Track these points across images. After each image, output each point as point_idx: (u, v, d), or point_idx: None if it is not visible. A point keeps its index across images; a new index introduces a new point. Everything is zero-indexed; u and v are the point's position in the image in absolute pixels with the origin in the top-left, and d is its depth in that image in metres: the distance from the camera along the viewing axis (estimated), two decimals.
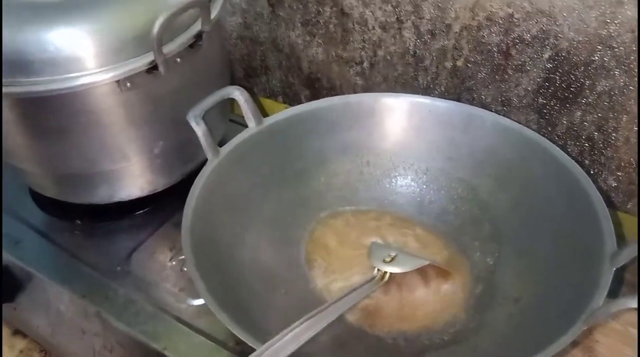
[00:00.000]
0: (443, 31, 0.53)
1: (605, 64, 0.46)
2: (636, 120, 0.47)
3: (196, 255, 0.37)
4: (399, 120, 0.49)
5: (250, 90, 0.72)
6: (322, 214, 0.49)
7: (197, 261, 0.36)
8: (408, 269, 0.40)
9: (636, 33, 0.43)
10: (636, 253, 0.32)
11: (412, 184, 0.50)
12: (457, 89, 0.55)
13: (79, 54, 0.40)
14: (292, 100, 0.70)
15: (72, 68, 0.40)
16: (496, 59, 0.51)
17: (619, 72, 0.46)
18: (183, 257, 0.48)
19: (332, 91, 0.66)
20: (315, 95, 0.67)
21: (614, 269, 0.33)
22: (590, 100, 0.48)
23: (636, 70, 0.44)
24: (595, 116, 0.49)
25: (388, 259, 0.40)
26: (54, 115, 0.42)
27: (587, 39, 0.46)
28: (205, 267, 0.37)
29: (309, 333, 0.32)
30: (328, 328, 0.34)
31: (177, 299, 0.45)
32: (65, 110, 0.42)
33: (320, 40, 0.62)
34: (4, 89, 0.40)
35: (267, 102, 0.72)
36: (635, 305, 0.28)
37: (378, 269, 0.40)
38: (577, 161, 0.51)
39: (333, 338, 0.39)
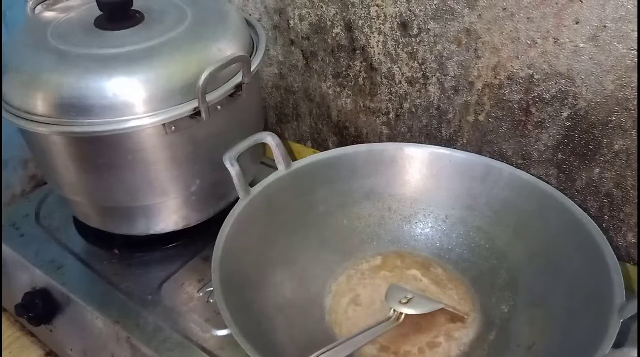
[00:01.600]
0: (466, 88, 0.56)
1: (623, 125, 0.48)
2: None
3: (224, 286, 0.39)
4: (420, 169, 0.52)
5: (281, 135, 0.77)
6: (344, 255, 0.51)
7: (224, 292, 0.39)
8: (423, 311, 0.42)
9: None
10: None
11: (432, 230, 0.52)
12: (479, 142, 0.58)
13: (133, 100, 0.44)
14: (320, 145, 0.73)
15: (125, 112, 0.44)
16: (517, 116, 0.54)
17: (635, 132, 0.47)
18: (210, 289, 0.51)
19: (359, 139, 0.69)
20: (342, 142, 0.71)
21: (622, 320, 0.34)
22: (608, 158, 0.50)
23: None
24: (614, 173, 0.50)
25: (404, 301, 0.42)
26: (105, 153, 0.47)
27: (604, 100, 0.48)
28: (231, 299, 0.39)
29: None
30: None
31: (202, 330, 0.47)
32: (116, 149, 0.46)
33: (349, 92, 0.66)
34: (63, 128, 0.44)
35: (297, 147, 0.75)
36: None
37: (394, 310, 0.42)
38: (596, 217, 0.53)
39: None
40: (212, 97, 0.46)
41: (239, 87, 0.48)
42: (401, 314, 0.41)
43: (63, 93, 0.44)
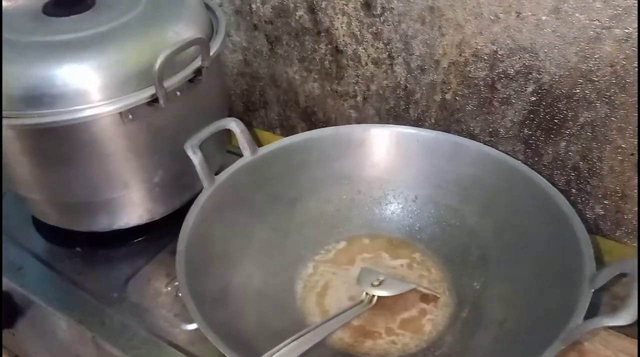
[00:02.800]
0: (432, 66, 0.55)
1: (587, 97, 0.48)
2: (619, 150, 0.48)
3: (189, 279, 0.38)
4: (387, 149, 0.51)
5: (249, 124, 0.75)
6: (314, 240, 0.50)
7: (190, 284, 0.37)
8: (395, 292, 0.41)
9: (615, 67, 0.45)
10: (613, 274, 0.33)
11: (402, 211, 0.51)
12: (447, 121, 0.57)
13: (85, 88, 0.42)
14: (290, 133, 0.72)
15: (78, 101, 0.42)
16: (483, 93, 0.53)
17: (599, 104, 0.48)
18: (178, 283, 0.49)
19: (328, 124, 0.68)
20: (311, 128, 0.70)
21: (592, 290, 0.34)
22: (573, 131, 0.50)
23: (617, 102, 0.46)
24: (580, 146, 0.50)
25: (376, 283, 0.41)
26: (59, 145, 0.44)
27: (568, 73, 0.48)
28: (198, 291, 0.38)
29: (295, 352, 0.33)
30: (315, 348, 0.35)
31: (171, 325, 0.46)
32: (71, 141, 0.44)
33: (316, 76, 0.65)
34: (13, 121, 0.42)
35: (265, 135, 0.74)
36: (611, 323, 0.28)
37: (366, 293, 0.41)
38: (564, 190, 0.53)
39: None
40: (170, 82, 0.44)
41: (198, 71, 0.46)
42: (373, 296, 0.41)
43: (10, 83, 0.42)
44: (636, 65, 0.44)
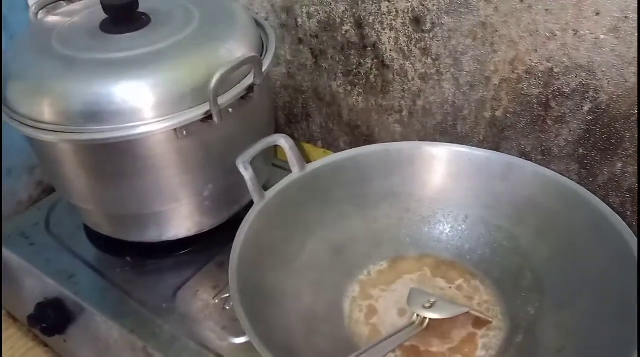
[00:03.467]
0: (482, 83, 0.55)
1: None
2: None
3: (241, 294, 0.38)
4: (438, 168, 0.50)
5: (291, 136, 0.75)
6: (363, 259, 0.50)
7: (242, 300, 0.37)
8: (447, 315, 0.40)
9: None
10: None
11: (452, 231, 0.50)
12: (496, 138, 0.56)
13: (141, 105, 0.43)
14: (331, 145, 0.72)
15: (134, 118, 0.43)
16: (536, 110, 0.52)
17: None
18: (226, 295, 0.49)
19: (371, 138, 0.68)
20: (354, 141, 0.70)
21: None
22: (630, 152, 0.48)
23: None
24: (636, 168, 0.49)
25: (427, 305, 0.41)
26: (115, 160, 0.46)
27: (626, 93, 0.46)
28: (248, 306, 0.38)
29: None
30: None
31: (219, 337, 0.46)
32: (126, 156, 0.45)
33: (360, 90, 0.65)
34: (71, 136, 0.43)
35: (307, 147, 0.74)
36: None
37: (417, 315, 0.41)
38: (619, 212, 0.51)
39: None
40: (223, 99, 0.44)
41: (250, 88, 0.47)
42: (425, 318, 0.40)
43: (69, 100, 0.43)
44: None
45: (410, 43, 0.58)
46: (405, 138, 0.64)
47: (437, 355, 0.42)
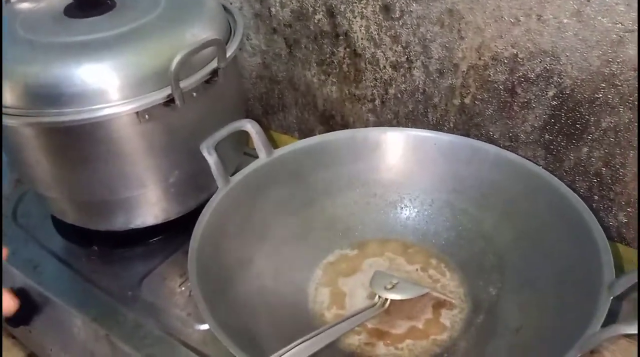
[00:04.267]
0: (451, 70, 0.55)
1: (609, 101, 0.47)
2: None
3: (201, 279, 0.38)
4: (404, 153, 0.51)
5: (267, 127, 0.75)
6: (329, 243, 0.50)
7: (201, 284, 0.37)
8: (408, 296, 0.40)
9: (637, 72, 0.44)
10: (634, 281, 0.32)
11: (418, 215, 0.50)
12: (466, 125, 0.56)
13: (103, 87, 0.42)
14: (307, 136, 0.72)
15: (96, 100, 0.42)
16: (502, 97, 0.52)
17: (623, 109, 0.46)
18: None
19: (346, 127, 0.68)
20: (329, 131, 0.69)
21: (611, 298, 0.32)
22: (596, 136, 0.49)
23: None
24: (602, 152, 0.49)
25: (389, 286, 0.41)
26: (77, 144, 0.45)
27: (590, 77, 0.47)
28: (210, 291, 0.38)
29: (305, 353, 0.33)
30: (326, 351, 0.35)
31: (184, 324, 0.46)
32: (88, 140, 0.45)
33: (334, 79, 0.65)
34: (32, 119, 0.43)
35: (284, 138, 0.74)
36: (629, 331, 0.27)
37: (379, 296, 0.41)
38: (586, 197, 0.52)
39: None
40: (186, 83, 0.44)
41: (214, 72, 0.46)
42: (386, 299, 0.40)
43: (30, 82, 0.42)
44: None
45: (381, 31, 0.58)
46: (378, 127, 0.64)
47: (400, 336, 0.42)
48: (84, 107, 0.42)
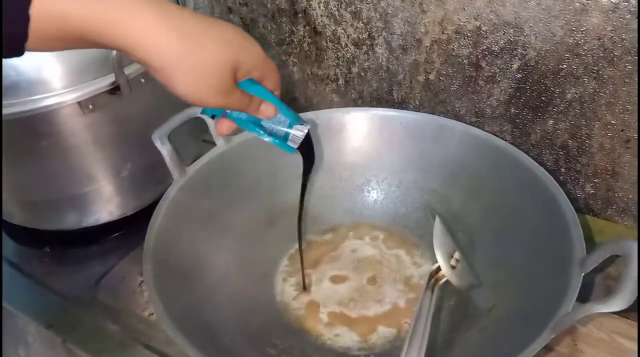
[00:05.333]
0: (414, 45, 0.53)
1: (574, 72, 0.46)
2: (608, 127, 0.47)
3: (158, 277, 0.35)
4: (369, 133, 0.49)
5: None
6: (294, 231, 0.48)
7: (158, 283, 0.35)
8: (464, 285, 0.38)
9: (603, 40, 0.43)
10: (605, 257, 0.31)
11: (386, 197, 0.49)
12: (431, 102, 0.55)
13: (41, 76, 0.39)
14: None
15: (33, 91, 0.39)
16: (467, 71, 0.51)
17: (587, 79, 0.45)
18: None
19: (309, 109, 0.65)
20: None
21: (583, 274, 0.32)
22: (561, 108, 0.48)
23: (605, 76, 0.44)
24: (568, 124, 0.48)
25: (453, 263, 0.38)
26: (17, 140, 0.42)
27: (554, 47, 0.46)
28: (168, 291, 0.36)
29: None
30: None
31: (147, 326, 0.43)
32: (29, 135, 0.41)
33: (295, 60, 0.62)
34: None
35: None
36: (603, 310, 0.27)
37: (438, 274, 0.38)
38: (553, 169, 0.51)
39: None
40: (132, 69, 0.41)
41: None
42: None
43: None
44: (624, 37, 0.42)
45: (341, 7, 0.55)
46: (343, 107, 0.62)
47: (371, 322, 0.41)
48: (20, 98, 0.39)
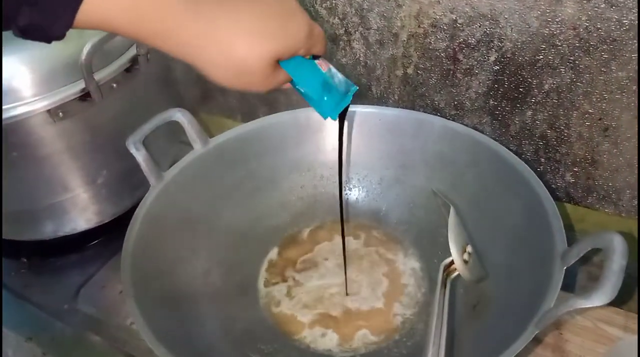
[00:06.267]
0: (391, 40, 0.52)
1: (550, 62, 0.46)
2: (586, 116, 0.47)
3: (137, 286, 0.35)
4: (349, 131, 0.48)
5: (208, 111, 0.71)
6: (278, 231, 0.47)
7: (137, 291, 0.34)
8: (473, 278, 0.37)
9: (578, 30, 0.43)
10: (586, 250, 0.31)
11: (367, 194, 0.49)
12: (410, 96, 0.55)
13: (7, 84, 0.38)
14: (252, 118, 0.68)
15: (2, 100, 0.38)
16: (445, 65, 0.51)
17: (564, 69, 0.45)
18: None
19: (290, 107, 0.64)
20: (273, 112, 0.66)
21: (564, 268, 0.32)
22: (539, 98, 0.48)
23: (582, 66, 0.44)
24: (546, 114, 0.48)
25: (466, 257, 0.37)
26: None
27: (530, 39, 0.45)
28: (149, 298, 0.35)
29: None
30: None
31: (129, 334, 0.43)
32: None
33: None
34: None
35: (227, 122, 0.70)
36: (587, 305, 0.27)
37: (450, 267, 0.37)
38: (533, 160, 0.51)
39: None
40: (102, 74, 0.40)
41: (134, 60, 0.42)
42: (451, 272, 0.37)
43: None
44: (599, 26, 0.42)
45: (316, 3, 0.54)
46: None
47: (357, 321, 0.40)
48: None
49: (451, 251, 0.37)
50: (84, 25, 0.24)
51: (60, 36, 0.22)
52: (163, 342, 0.31)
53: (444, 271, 0.38)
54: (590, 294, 0.27)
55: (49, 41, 0.22)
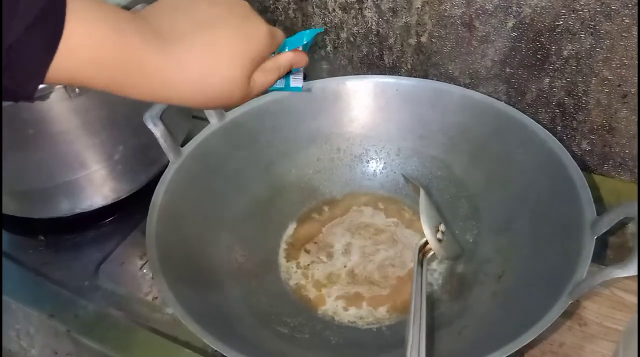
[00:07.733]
0: (405, 8, 0.51)
1: (570, 28, 0.45)
2: (605, 82, 0.46)
3: (163, 262, 0.35)
4: (365, 102, 0.48)
5: None
6: (296, 206, 0.47)
7: (163, 267, 0.34)
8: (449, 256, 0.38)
9: None
10: (617, 219, 0.31)
11: (385, 166, 0.48)
12: (424, 65, 0.54)
13: None
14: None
15: None
16: (460, 32, 0.50)
17: (584, 34, 0.45)
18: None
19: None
20: None
21: (596, 237, 0.32)
22: (557, 65, 0.47)
23: (602, 31, 0.44)
24: (564, 81, 0.48)
25: (440, 236, 0.38)
26: (4, 128, 0.40)
27: (550, 4, 0.44)
28: (174, 273, 0.35)
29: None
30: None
31: (151, 309, 0.43)
32: (14, 124, 0.39)
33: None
34: None
35: None
36: (622, 274, 0.27)
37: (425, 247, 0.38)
38: (549, 128, 0.51)
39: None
40: None
41: None
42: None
43: None
44: None
45: None
46: (332, 75, 0.60)
47: (381, 296, 0.41)
48: None
49: (424, 231, 0.38)
50: (54, 83, 0.24)
51: (29, 97, 0.22)
52: (194, 317, 0.31)
53: (419, 252, 0.38)
54: (626, 263, 0.27)
55: (17, 101, 0.23)
